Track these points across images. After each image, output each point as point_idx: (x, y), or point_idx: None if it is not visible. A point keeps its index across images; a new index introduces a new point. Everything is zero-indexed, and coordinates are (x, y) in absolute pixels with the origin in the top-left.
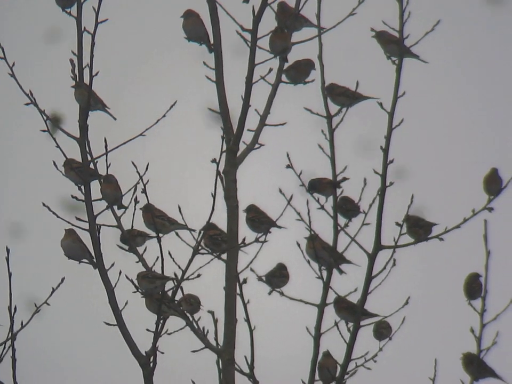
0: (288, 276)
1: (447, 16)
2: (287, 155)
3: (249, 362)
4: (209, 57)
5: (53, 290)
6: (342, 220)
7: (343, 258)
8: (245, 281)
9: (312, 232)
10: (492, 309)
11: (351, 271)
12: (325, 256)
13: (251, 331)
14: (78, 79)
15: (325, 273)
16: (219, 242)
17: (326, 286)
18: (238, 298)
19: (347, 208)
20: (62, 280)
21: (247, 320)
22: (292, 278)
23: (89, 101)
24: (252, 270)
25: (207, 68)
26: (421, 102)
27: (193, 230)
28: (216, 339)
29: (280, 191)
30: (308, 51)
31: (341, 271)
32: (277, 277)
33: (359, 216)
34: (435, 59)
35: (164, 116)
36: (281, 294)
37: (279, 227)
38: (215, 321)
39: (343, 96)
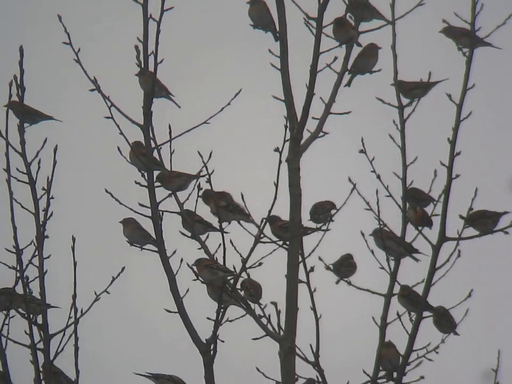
0: (355, 266)
1: None
2: (362, 140)
3: (314, 350)
4: (274, 45)
5: (113, 279)
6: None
7: (413, 248)
8: (312, 269)
9: (381, 222)
10: None
11: (414, 263)
12: (393, 246)
13: (317, 319)
14: (142, 66)
15: (392, 264)
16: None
17: (393, 276)
18: (299, 286)
19: (419, 198)
20: (122, 269)
21: (313, 308)
22: (359, 268)
23: (153, 88)
24: (319, 258)
25: (272, 55)
26: (490, 94)
27: (255, 223)
28: (278, 327)
29: (350, 179)
30: (376, 41)
31: (416, 259)
32: (345, 266)
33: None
34: (506, 52)
35: (229, 104)
36: (349, 283)
37: (327, 230)
38: (278, 312)
39: (416, 89)
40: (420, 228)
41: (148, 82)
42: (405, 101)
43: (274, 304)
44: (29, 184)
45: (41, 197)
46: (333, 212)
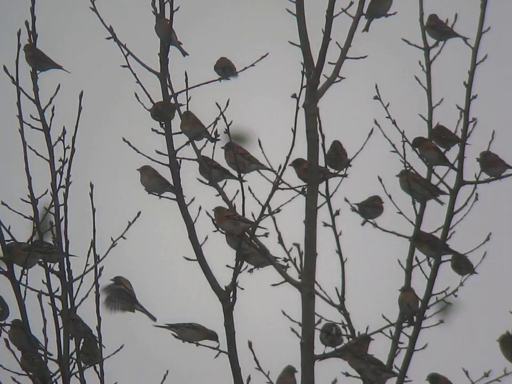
0: (381, 207)
1: None
2: (376, 86)
3: (339, 294)
4: None
5: (129, 224)
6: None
7: (438, 190)
8: (337, 212)
9: (407, 165)
10: None
11: (434, 208)
12: (418, 188)
13: (342, 263)
14: (159, 13)
15: (418, 206)
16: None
17: (419, 219)
18: (324, 230)
19: (446, 138)
20: (138, 214)
21: (339, 251)
22: (385, 211)
23: (170, 34)
24: (346, 200)
25: (288, 0)
26: (506, 38)
27: (273, 171)
28: (301, 269)
29: (375, 121)
30: None
31: (441, 202)
32: (370, 207)
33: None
34: None
35: (253, 65)
36: (374, 225)
37: (346, 176)
38: (300, 254)
39: (433, 30)
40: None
41: (165, 28)
42: (431, 42)
43: (297, 245)
44: (43, 131)
45: (56, 144)
46: (350, 157)
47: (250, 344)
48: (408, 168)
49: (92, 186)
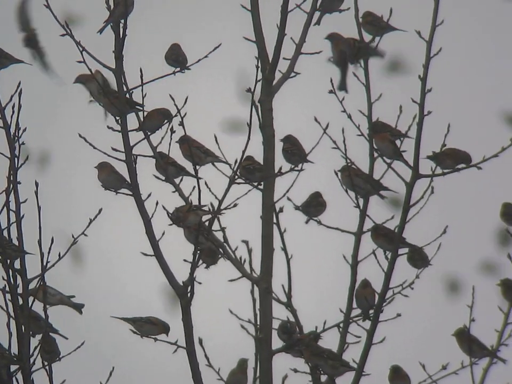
0: (324, 204)
1: None
2: (331, 80)
3: (286, 291)
4: None
5: (90, 221)
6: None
7: (380, 185)
8: (281, 210)
9: (348, 161)
10: None
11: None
12: (361, 183)
13: (288, 260)
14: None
15: (361, 202)
16: (252, 171)
17: (363, 214)
18: (275, 227)
19: (386, 131)
20: (100, 211)
21: (284, 249)
22: (329, 207)
23: (124, 31)
24: (288, 199)
25: None
26: (460, 31)
27: (229, 164)
28: (251, 268)
29: (316, 119)
30: None
31: (382, 196)
32: (314, 206)
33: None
34: None
35: (206, 56)
36: (319, 223)
37: (309, 161)
38: (249, 251)
39: (370, 25)
40: (390, 163)
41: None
42: (368, 38)
43: (246, 242)
44: (3, 128)
45: (16, 141)
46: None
47: (201, 341)
48: (349, 164)
49: (37, 184)
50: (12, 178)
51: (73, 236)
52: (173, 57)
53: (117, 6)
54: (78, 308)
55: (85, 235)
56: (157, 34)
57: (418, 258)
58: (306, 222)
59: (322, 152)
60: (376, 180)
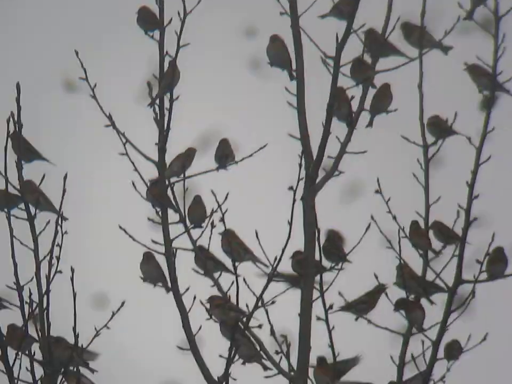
0: (373, 305)
1: None
2: (377, 180)
3: None
4: (290, 82)
5: (113, 314)
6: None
7: (434, 286)
8: (330, 307)
9: (402, 261)
10: None
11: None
12: (413, 286)
13: (334, 358)
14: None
15: None
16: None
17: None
18: (316, 324)
19: (447, 234)
20: (122, 304)
21: (331, 346)
22: (379, 305)
23: (169, 123)
24: (340, 294)
25: (288, 93)
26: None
27: (266, 265)
28: (288, 361)
29: (372, 217)
30: (398, 78)
31: (431, 302)
32: (359, 306)
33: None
34: None
35: (251, 155)
36: (369, 321)
37: (347, 261)
38: (288, 345)
39: (433, 126)
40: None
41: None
42: (430, 139)
43: (285, 337)
44: (27, 220)
45: (40, 234)
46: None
47: None
48: (403, 264)
49: (72, 270)
50: (36, 270)
51: (95, 328)
52: (220, 154)
53: (163, 78)
54: None
55: (108, 328)
56: (199, 125)
57: (455, 353)
58: (356, 319)
59: (372, 248)
60: (429, 281)
